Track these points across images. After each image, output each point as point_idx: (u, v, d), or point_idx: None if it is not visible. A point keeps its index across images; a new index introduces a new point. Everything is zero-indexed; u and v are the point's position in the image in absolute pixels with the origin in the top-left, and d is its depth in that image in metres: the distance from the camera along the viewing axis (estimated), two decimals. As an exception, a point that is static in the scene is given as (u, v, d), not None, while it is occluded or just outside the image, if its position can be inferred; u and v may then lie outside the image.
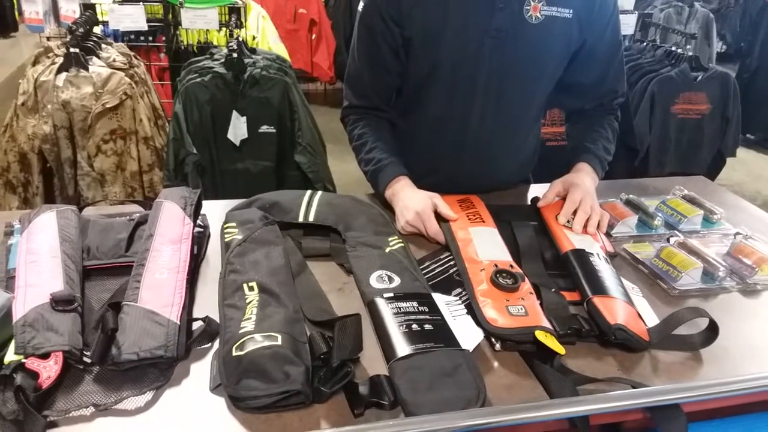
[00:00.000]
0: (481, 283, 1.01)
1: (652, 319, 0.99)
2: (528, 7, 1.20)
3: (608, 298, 0.99)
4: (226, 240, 1.11)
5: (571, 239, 1.16)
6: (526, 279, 1.02)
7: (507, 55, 1.23)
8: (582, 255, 1.11)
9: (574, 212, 1.20)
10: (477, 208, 1.27)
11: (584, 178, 1.28)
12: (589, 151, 1.34)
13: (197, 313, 0.95)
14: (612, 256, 1.17)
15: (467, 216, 1.23)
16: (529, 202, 1.38)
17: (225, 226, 1.15)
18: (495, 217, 1.24)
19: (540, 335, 0.88)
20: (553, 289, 1.05)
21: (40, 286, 0.90)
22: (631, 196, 1.39)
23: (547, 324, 0.92)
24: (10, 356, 0.79)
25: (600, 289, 1.01)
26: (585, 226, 1.19)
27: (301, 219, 1.21)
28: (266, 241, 1.09)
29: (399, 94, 1.40)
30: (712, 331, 0.94)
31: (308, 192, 1.28)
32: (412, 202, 1.22)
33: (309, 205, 1.24)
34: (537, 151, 1.48)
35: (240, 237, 1.09)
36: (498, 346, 0.92)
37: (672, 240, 1.20)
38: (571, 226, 1.19)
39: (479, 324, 0.94)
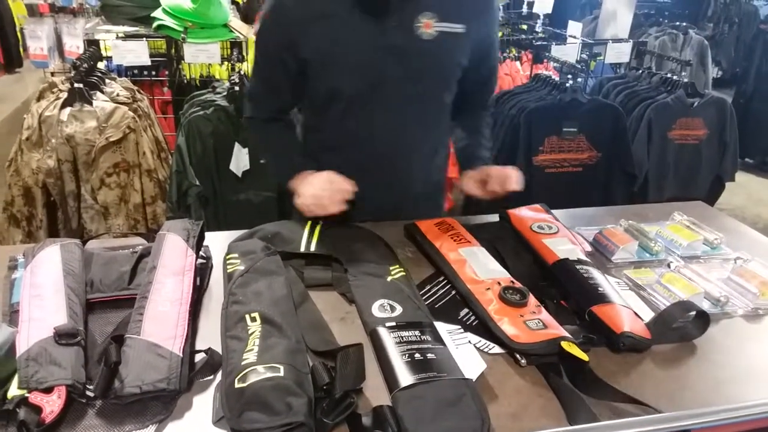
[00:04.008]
0: (491, 302, 1.02)
1: (644, 312, 1.04)
2: (419, 24, 1.23)
3: (606, 306, 1.01)
4: (228, 271, 1.11)
5: (553, 249, 1.18)
6: (530, 293, 1.04)
7: (404, 71, 1.26)
8: (568, 266, 1.13)
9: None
10: (457, 229, 1.28)
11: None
12: (480, 158, 1.40)
13: (200, 344, 0.95)
14: (589, 255, 1.19)
15: (451, 237, 1.24)
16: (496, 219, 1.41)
17: (227, 257, 1.16)
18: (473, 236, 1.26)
19: (566, 345, 0.90)
20: (554, 301, 1.07)
21: (43, 320, 0.90)
22: (630, 222, 1.40)
23: (567, 334, 0.94)
24: (14, 391, 0.79)
25: (596, 298, 1.03)
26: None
27: (302, 249, 1.21)
28: (268, 271, 1.10)
29: (308, 115, 1.42)
30: (702, 319, 1.00)
31: (310, 222, 1.29)
32: (313, 177, 1.27)
33: (311, 235, 1.25)
34: (447, 156, 1.52)
35: (242, 268, 1.10)
36: (524, 361, 0.93)
37: (673, 266, 1.21)
38: (542, 231, 1.25)
39: (500, 342, 0.96)
